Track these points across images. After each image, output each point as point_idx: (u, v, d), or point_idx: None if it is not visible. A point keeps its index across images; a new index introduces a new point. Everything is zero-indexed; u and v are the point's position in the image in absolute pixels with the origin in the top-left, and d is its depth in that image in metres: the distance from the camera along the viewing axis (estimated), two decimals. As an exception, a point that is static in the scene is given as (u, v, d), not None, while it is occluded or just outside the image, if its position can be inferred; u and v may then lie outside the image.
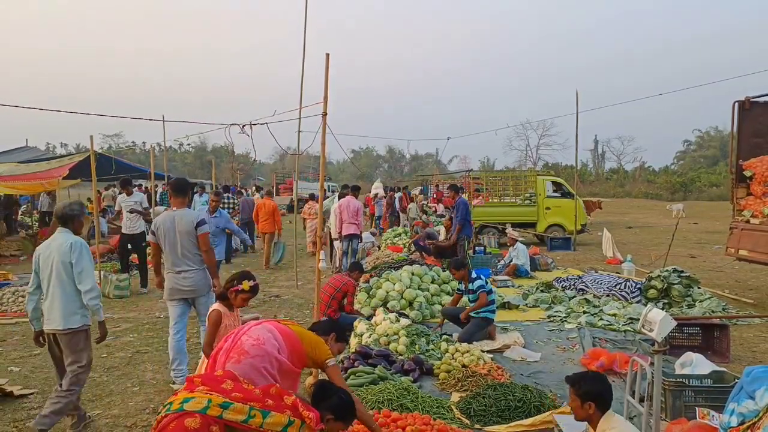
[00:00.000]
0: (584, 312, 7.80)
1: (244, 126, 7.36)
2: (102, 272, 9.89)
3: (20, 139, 34.47)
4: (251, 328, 3.42)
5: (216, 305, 4.31)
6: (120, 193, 11.84)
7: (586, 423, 3.34)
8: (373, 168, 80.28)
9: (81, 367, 4.18)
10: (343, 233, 11.06)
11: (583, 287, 9.02)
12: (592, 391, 3.24)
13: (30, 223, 19.14)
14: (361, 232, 11.59)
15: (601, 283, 8.89)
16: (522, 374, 5.50)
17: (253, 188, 26.50)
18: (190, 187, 6.04)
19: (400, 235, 15.62)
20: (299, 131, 9.10)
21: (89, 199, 24.29)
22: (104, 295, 9.20)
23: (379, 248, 13.65)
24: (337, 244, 11.62)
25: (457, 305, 7.06)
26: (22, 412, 4.60)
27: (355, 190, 12.09)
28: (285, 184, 35.01)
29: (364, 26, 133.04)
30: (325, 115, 4.76)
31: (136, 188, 13.43)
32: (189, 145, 68.72)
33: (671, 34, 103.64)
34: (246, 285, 4.22)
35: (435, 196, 26.45)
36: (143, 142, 62.11)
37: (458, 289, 7.06)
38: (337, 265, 11.63)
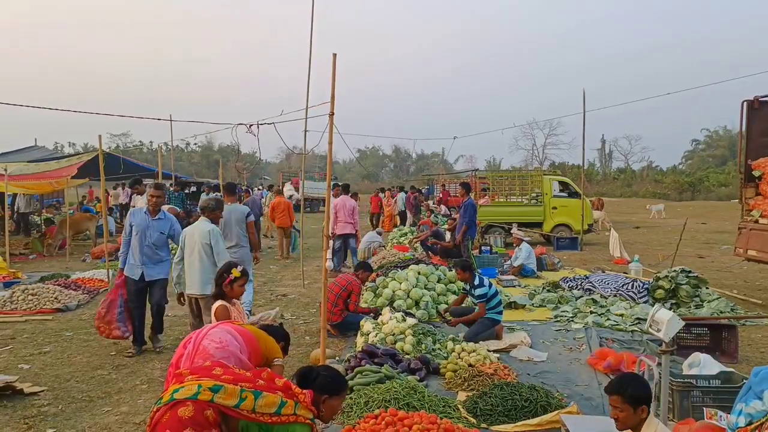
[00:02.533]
0: (591, 312, 7.79)
1: (251, 126, 7.39)
2: (110, 271, 9.95)
3: (29, 139, 34.73)
4: (210, 330, 3.42)
5: (218, 302, 4.35)
6: (133, 193, 11.99)
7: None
8: (379, 167, 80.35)
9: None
10: (338, 232, 11.24)
11: (590, 287, 9.00)
12: (642, 395, 3.02)
13: (39, 222, 19.25)
14: (356, 231, 11.72)
15: (608, 283, 8.86)
16: (529, 374, 5.50)
17: (267, 186, 26.44)
18: (237, 187, 7.81)
19: (405, 234, 15.65)
20: (305, 131, 9.15)
21: (97, 198, 24.46)
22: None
23: (385, 248, 13.67)
24: (330, 243, 11.65)
25: (462, 304, 7.07)
26: (32, 409, 4.64)
27: (345, 189, 12.18)
28: (291, 183, 35.03)
29: (369, 25, 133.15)
30: (332, 114, 4.78)
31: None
32: (196, 144, 69.07)
33: (680, 31, 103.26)
34: (236, 272, 4.38)
35: (441, 196, 26.40)
36: (150, 142, 62.50)
37: (463, 289, 7.06)
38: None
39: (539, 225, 16.84)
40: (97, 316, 6.19)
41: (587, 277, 9.66)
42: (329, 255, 7.56)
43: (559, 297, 8.64)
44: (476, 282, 6.69)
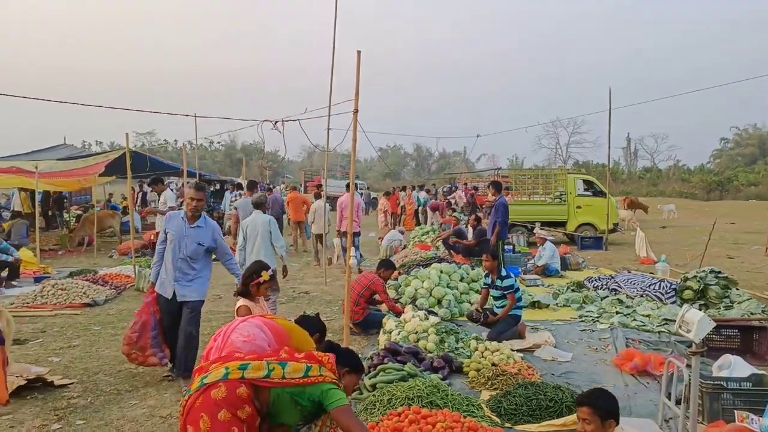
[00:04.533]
0: (617, 312, 7.66)
1: (276, 123, 7.44)
2: (137, 267, 10.12)
3: (58, 137, 35.42)
4: (239, 324, 3.45)
5: (241, 301, 4.38)
6: (152, 191, 12.15)
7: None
8: (400, 166, 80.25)
9: (277, 293, 6.61)
10: (343, 230, 11.44)
11: (616, 287, 8.86)
12: (612, 409, 3.17)
13: (68, 219, 19.66)
14: (360, 229, 12.10)
15: (634, 284, 8.72)
16: (553, 374, 5.44)
17: (291, 186, 26.49)
18: (258, 184, 8.31)
19: (428, 233, 15.60)
20: (328, 129, 9.17)
21: (123, 196, 24.90)
22: (138, 289, 9.42)
23: (406, 246, 13.65)
24: (336, 240, 12.33)
25: (485, 305, 7.00)
26: (62, 401, 4.74)
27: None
28: (313, 182, 35.25)
29: (392, 21, 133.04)
30: (356, 111, 4.78)
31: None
32: (219, 143, 69.83)
33: (708, 26, 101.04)
34: (265, 275, 4.41)
35: (463, 193, 26.14)
36: (175, 140, 63.45)
37: (485, 284, 7.00)
38: (335, 262, 12.25)
39: (563, 224, 16.65)
40: (127, 341, 5.17)
41: (613, 277, 9.52)
42: (353, 253, 7.65)
43: (584, 297, 8.53)
44: (503, 273, 6.66)
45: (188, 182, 13.68)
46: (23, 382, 4.92)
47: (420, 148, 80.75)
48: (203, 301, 5.39)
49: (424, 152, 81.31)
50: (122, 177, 15.38)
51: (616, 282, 9.05)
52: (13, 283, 9.81)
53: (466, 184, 29.68)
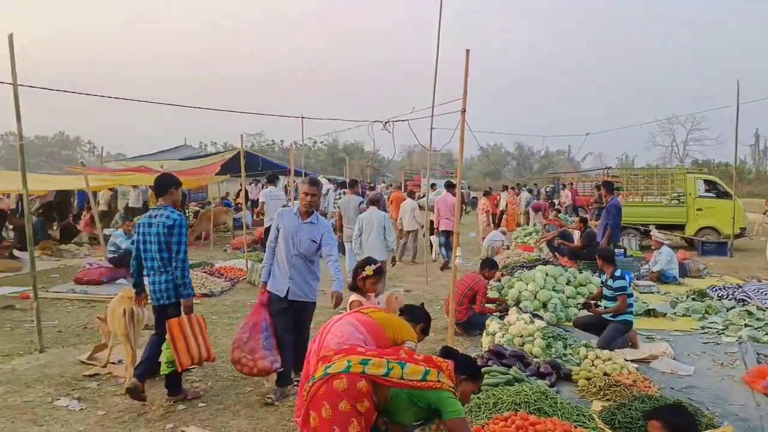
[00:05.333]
0: (746, 325, 6.99)
1: (386, 123, 7.56)
2: (249, 261, 10.71)
3: (179, 138, 38.35)
4: (334, 324, 3.52)
5: (353, 296, 4.54)
6: (264, 187, 12.82)
7: None
8: (501, 165, 78.55)
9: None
10: (441, 228, 11.93)
11: (744, 297, 8.10)
12: (683, 426, 3.02)
13: (187, 215, 21.23)
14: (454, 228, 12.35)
15: (766, 294, 7.92)
16: (672, 388, 5.07)
17: (395, 185, 26.77)
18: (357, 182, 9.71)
19: (531, 234, 15.15)
20: (431, 128, 9.16)
21: (237, 194, 26.48)
22: (250, 282, 9.97)
23: (509, 247, 13.34)
24: (433, 238, 12.61)
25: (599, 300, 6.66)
26: (186, 384, 5.09)
27: (451, 187, 12.71)
28: (413, 181, 35.42)
29: (498, 21, 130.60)
30: (464, 111, 4.73)
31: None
32: (322, 142, 72.21)
33: None
34: (369, 270, 4.55)
35: (572, 194, 25.02)
36: (281, 140, 66.54)
37: (601, 283, 6.70)
38: (434, 259, 12.64)
39: (680, 227, 15.47)
40: (237, 344, 4.77)
41: (740, 287, 8.72)
42: (459, 252, 7.73)
43: (707, 307, 7.86)
44: (617, 273, 6.32)
45: (294, 181, 14.29)
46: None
47: (521, 147, 78.57)
48: (315, 302, 5.13)
49: (525, 151, 79.04)
50: (235, 176, 16.39)
51: (745, 292, 8.27)
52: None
53: (571, 183, 28.50)
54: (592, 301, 6.84)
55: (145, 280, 4.82)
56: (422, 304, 4.54)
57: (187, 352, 4.56)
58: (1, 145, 77.66)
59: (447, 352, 3.25)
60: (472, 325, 6.93)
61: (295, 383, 4.75)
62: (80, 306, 8.35)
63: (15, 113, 5.64)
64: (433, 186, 17.42)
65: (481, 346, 6.16)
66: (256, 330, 4.77)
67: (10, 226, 14.53)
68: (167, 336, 4.57)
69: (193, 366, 4.82)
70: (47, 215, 14.79)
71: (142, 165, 17.48)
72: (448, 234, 11.86)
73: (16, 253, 12.02)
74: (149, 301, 4.96)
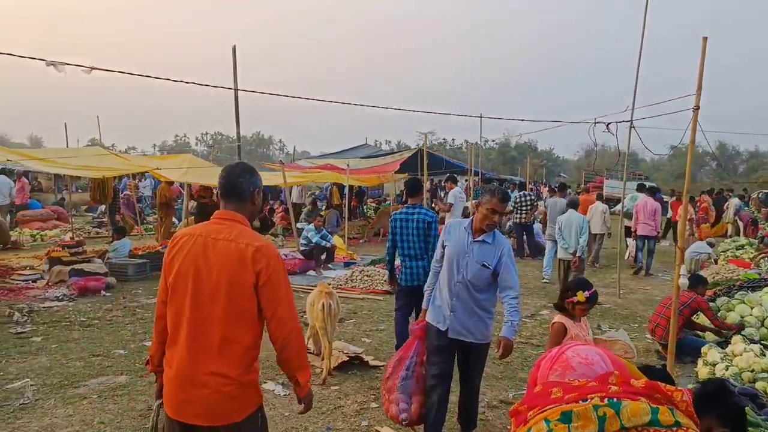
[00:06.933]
0: None
1: (609, 124, 7.04)
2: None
3: (361, 137, 40.51)
4: (578, 345, 3.02)
5: (558, 317, 4.05)
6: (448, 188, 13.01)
7: None
8: (697, 166, 70.05)
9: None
10: (639, 233, 11.85)
11: None
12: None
13: (366, 212, 22.23)
14: (658, 233, 12.52)
15: None
16: None
17: (583, 187, 25.22)
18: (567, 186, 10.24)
19: (743, 246, 13.14)
20: (631, 127, 8.33)
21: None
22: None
23: (716, 262, 11.68)
24: (630, 240, 12.61)
25: None
26: (377, 382, 5.17)
27: (653, 191, 13.00)
28: (594, 182, 33.10)
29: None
30: (697, 109, 4.09)
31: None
32: (494, 141, 71.08)
33: None
34: (581, 296, 3.89)
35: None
36: (452, 139, 67.04)
37: None
38: (626, 258, 12.28)
39: None
40: (385, 374, 4.19)
41: None
42: (682, 271, 6.70)
43: None
44: None
45: (466, 179, 14.09)
46: (345, 358, 5.56)
47: (723, 146, 69.24)
48: (488, 344, 3.99)
49: (729, 150, 69.57)
50: (413, 175, 16.69)
51: None
52: (329, 266, 11.40)
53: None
54: None
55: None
56: (664, 365, 3.73)
57: None
58: (211, 143, 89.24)
59: (707, 391, 2.55)
60: (682, 350, 6.08)
61: None
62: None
63: (235, 116, 6.23)
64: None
65: (697, 377, 5.37)
66: (399, 366, 4.04)
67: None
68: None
69: None
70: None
71: (329, 163, 18.66)
72: (645, 239, 11.84)
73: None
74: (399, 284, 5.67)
